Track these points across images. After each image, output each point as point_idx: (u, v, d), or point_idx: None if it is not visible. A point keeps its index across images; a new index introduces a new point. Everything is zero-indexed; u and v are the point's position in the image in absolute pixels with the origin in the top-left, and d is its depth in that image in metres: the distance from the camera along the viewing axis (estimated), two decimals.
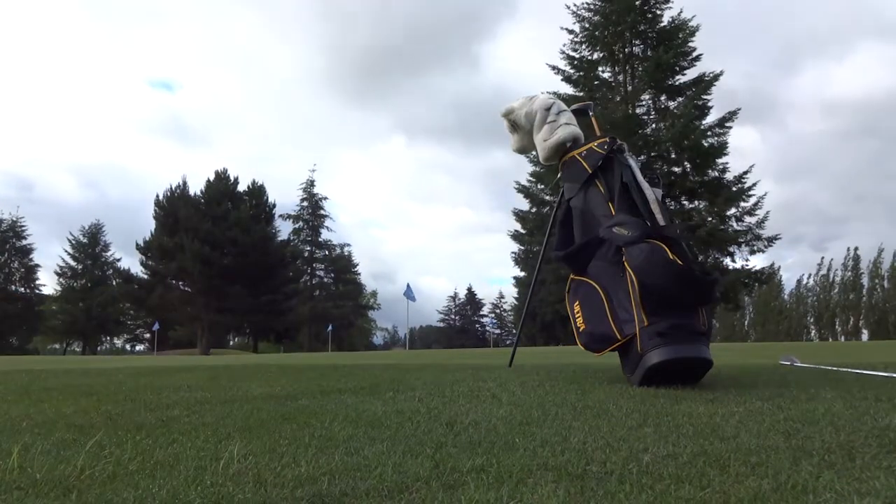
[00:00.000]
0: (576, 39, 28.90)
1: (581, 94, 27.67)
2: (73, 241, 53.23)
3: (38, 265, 53.65)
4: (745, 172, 26.87)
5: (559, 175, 3.62)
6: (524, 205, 29.93)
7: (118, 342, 58.50)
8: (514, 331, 62.78)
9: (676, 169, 27.19)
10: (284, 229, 53.29)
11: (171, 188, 46.29)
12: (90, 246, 53.78)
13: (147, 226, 68.39)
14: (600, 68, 29.32)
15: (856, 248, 59.28)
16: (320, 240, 55.48)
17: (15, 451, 1.66)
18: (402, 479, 1.37)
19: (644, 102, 28.55)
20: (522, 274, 31.38)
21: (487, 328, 68.95)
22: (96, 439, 1.86)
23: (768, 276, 29.63)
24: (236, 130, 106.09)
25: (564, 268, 3.56)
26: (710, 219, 26.25)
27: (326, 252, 56.14)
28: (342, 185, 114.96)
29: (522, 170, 39.69)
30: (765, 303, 62.66)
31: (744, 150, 74.10)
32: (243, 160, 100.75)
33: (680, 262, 2.90)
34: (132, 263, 51.35)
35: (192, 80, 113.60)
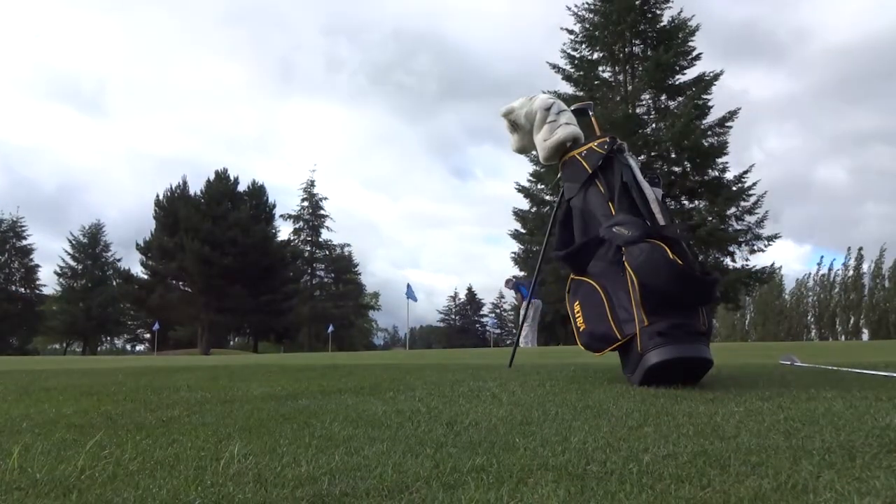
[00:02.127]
0: (576, 39, 28.90)
1: (581, 93, 27.66)
2: (74, 242, 53.26)
3: (38, 265, 53.70)
4: (745, 172, 26.89)
5: (559, 175, 3.62)
6: (524, 205, 29.94)
7: (118, 342, 58.54)
8: (515, 331, 62.78)
9: (676, 169, 27.18)
10: (284, 229, 53.43)
11: (171, 188, 46.35)
12: (90, 246, 53.76)
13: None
14: (600, 68, 29.32)
15: (860, 249, 59.31)
16: (320, 240, 55.50)
17: (15, 452, 1.66)
18: (403, 478, 1.37)
19: (644, 102, 28.54)
20: (522, 274, 31.35)
21: (488, 328, 68.95)
22: (96, 439, 1.86)
23: (768, 276, 29.59)
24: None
25: (564, 268, 3.56)
26: (710, 218, 26.22)
27: (327, 252, 56.13)
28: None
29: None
30: (765, 303, 62.65)
31: None
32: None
33: (680, 261, 2.90)
34: (132, 263, 51.29)
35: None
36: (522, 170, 45.07)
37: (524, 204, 29.92)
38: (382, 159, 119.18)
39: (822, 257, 64.94)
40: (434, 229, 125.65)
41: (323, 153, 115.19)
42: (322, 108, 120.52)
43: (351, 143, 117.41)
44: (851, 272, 58.94)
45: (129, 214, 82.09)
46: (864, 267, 57.90)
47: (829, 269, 60.59)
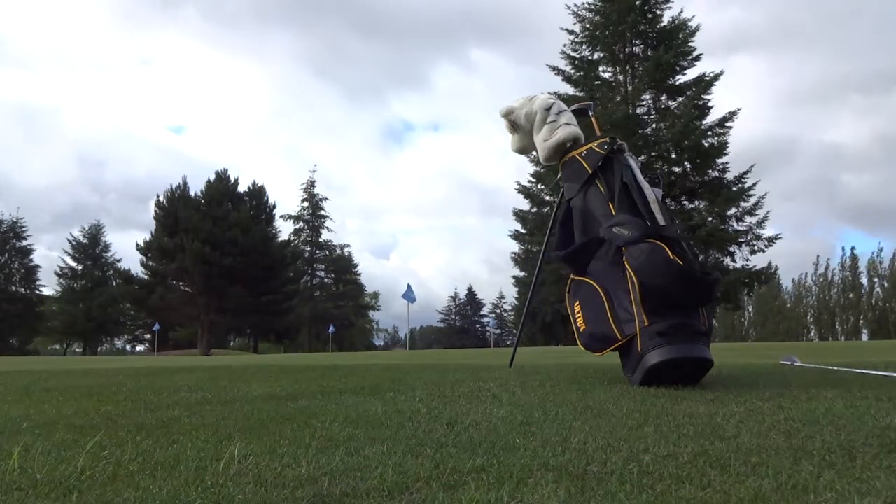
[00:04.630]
0: (576, 40, 28.88)
1: (581, 94, 27.64)
2: (74, 242, 53.28)
3: (38, 266, 53.68)
4: (746, 172, 26.86)
5: (559, 175, 3.62)
6: (524, 205, 29.94)
7: (118, 343, 58.53)
8: (515, 331, 62.78)
9: (676, 169, 27.15)
10: (285, 230, 53.45)
11: (172, 188, 46.37)
12: (90, 247, 53.77)
13: None
14: (601, 68, 29.30)
15: (853, 248, 59.38)
16: (321, 240, 55.54)
17: (15, 452, 1.66)
18: (403, 479, 1.37)
19: (644, 102, 28.52)
20: (523, 274, 31.33)
21: (488, 328, 68.98)
22: (97, 440, 1.86)
23: (768, 276, 29.57)
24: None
25: (565, 268, 3.56)
26: (710, 219, 26.21)
27: (327, 252, 56.17)
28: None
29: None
30: (764, 303, 62.68)
31: None
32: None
33: (680, 261, 2.90)
34: (132, 264, 51.23)
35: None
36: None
37: (524, 204, 29.92)
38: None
39: (817, 256, 64.92)
40: None
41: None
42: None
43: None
44: (849, 272, 58.96)
45: None
46: (861, 265, 57.88)
47: (827, 268, 60.61)
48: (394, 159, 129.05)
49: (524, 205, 29.90)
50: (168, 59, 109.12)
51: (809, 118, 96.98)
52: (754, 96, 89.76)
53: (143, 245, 46.55)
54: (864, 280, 58.54)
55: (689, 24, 27.55)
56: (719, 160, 26.84)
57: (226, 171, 47.91)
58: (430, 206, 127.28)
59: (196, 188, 46.76)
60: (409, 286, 24.44)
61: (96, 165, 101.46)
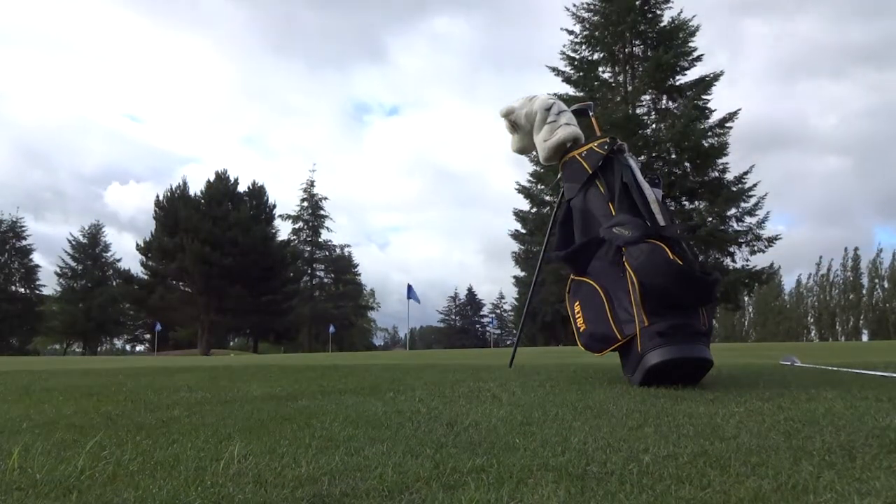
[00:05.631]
0: (576, 40, 28.89)
1: (581, 94, 27.65)
2: (74, 242, 53.27)
3: (38, 265, 53.68)
4: (746, 173, 26.87)
5: (559, 175, 3.62)
6: (524, 205, 29.94)
7: (118, 343, 58.52)
8: (515, 331, 62.78)
9: (676, 169, 27.15)
10: (284, 230, 53.45)
11: (172, 189, 46.40)
12: (90, 246, 53.78)
13: None
14: (600, 69, 29.30)
15: (855, 249, 59.35)
16: (320, 240, 55.56)
17: (15, 452, 1.66)
18: (403, 479, 1.37)
19: (644, 103, 28.52)
20: (523, 274, 31.35)
21: (488, 328, 68.95)
22: (97, 440, 1.86)
23: (768, 276, 29.57)
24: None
25: (565, 268, 3.56)
26: (710, 219, 26.21)
27: (327, 252, 56.19)
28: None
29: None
30: (765, 303, 62.70)
31: None
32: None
33: (680, 261, 2.90)
34: (132, 264, 51.22)
35: None
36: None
37: (524, 204, 29.93)
38: None
39: (820, 257, 64.86)
40: None
41: None
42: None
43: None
44: (850, 273, 58.98)
45: None
46: (862, 266, 57.88)
47: (829, 269, 60.62)
48: (362, 142, 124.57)
49: (524, 205, 29.92)
50: (115, 38, 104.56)
51: None
52: None
53: (142, 245, 46.58)
54: (865, 280, 58.61)
55: (689, 24, 27.56)
56: (719, 160, 26.84)
57: (225, 171, 47.99)
58: (410, 200, 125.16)
59: (196, 188, 46.80)
60: (410, 287, 24.44)
61: (33, 151, 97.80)
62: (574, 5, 28.76)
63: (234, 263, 43.25)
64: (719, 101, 27.79)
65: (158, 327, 37.91)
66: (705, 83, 27.03)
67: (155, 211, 46.08)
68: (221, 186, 46.95)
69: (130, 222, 78.90)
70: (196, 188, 46.87)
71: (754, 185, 26.53)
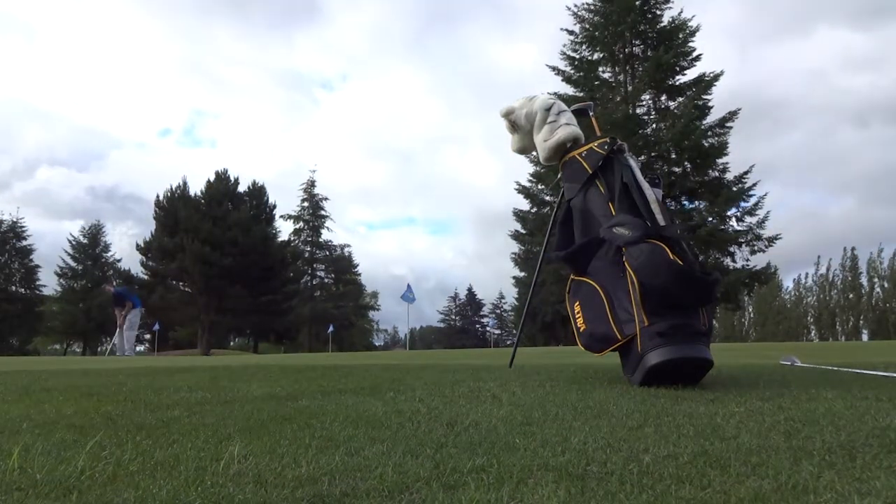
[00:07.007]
0: (576, 40, 28.94)
1: (581, 94, 27.67)
2: (74, 242, 53.24)
3: (38, 266, 53.63)
4: (746, 172, 26.89)
5: (559, 175, 3.62)
6: (524, 205, 29.96)
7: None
8: (515, 331, 62.78)
9: (676, 169, 27.17)
10: (285, 230, 53.46)
11: (172, 189, 46.37)
12: (90, 247, 53.76)
13: None
14: (600, 68, 29.33)
15: (853, 249, 59.34)
16: (321, 240, 55.55)
17: (15, 452, 1.66)
18: (403, 479, 1.37)
19: (644, 102, 28.54)
20: (523, 274, 31.35)
21: (488, 328, 68.97)
22: (97, 440, 1.86)
23: (768, 276, 29.58)
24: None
25: (565, 268, 3.56)
26: (710, 219, 26.24)
27: (327, 252, 56.18)
28: None
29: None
30: (764, 303, 62.71)
31: None
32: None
33: (680, 261, 2.90)
34: (132, 264, 51.21)
35: None
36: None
37: (524, 204, 29.95)
38: None
39: (818, 257, 64.74)
40: None
41: None
42: None
43: None
44: (849, 272, 58.99)
45: None
46: (861, 265, 57.86)
47: (828, 269, 60.63)
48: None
49: (524, 205, 29.93)
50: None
51: None
52: None
53: (142, 245, 46.55)
54: (864, 280, 58.61)
55: (689, 24, 27.59)
56: (719, 160, 26.87)
57: (226, 171, 47.95)
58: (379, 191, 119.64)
59: (196, 188, 46.78)
60: (408, 286, 24.38)
61: None
62: (574, 5, 28.82)
63: (234, 263, 43.23)
64: (719, 101, 27.18)
65: (157, 327, 37.86)
66: (705, 83, 27.05)
67: (155, 211, 46.07)
68: (221, 186, 46.94)
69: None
70: (196, 188, 46.88)
71: (754, 185, 26.57)
